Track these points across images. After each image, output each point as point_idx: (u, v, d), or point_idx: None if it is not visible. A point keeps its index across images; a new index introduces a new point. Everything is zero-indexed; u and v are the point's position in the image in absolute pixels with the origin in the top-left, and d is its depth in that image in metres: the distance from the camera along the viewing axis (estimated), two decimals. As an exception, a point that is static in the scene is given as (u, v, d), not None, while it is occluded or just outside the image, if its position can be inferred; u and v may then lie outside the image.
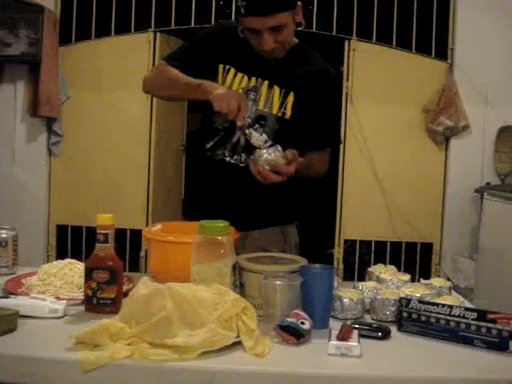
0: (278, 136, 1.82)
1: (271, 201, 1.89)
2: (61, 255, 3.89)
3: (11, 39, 4.07)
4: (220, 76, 1.87)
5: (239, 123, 1.65)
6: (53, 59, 4.15)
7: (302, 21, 1.80)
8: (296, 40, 1.93)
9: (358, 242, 4.46)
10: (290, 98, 1.84)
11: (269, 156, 1.63)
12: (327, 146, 1.96)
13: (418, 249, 4.43)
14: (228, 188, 1.89)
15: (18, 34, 4.08)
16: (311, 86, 1.86)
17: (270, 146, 1.72)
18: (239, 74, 1.86)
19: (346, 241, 4.44)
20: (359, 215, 4.36)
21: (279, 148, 1.65)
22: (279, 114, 1.84)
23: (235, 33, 1.83)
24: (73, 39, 4.39)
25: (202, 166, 1.94)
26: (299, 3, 1.77)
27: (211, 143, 1.86)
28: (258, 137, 1.80)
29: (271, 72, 1.85)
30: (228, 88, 1.78)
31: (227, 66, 1.87)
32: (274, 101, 1.84)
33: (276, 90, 1.84)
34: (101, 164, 4.39)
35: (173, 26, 4.37)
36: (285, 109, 1.84)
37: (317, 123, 1.88)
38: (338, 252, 4.41)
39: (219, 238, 1.39)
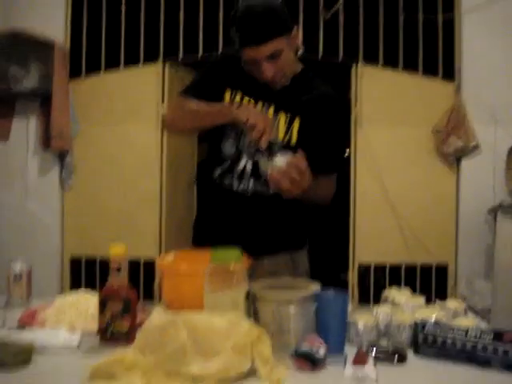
0: None
1: (280, 227, 1.89)
2: (75, 287, 3.89)
3: (22, 75, 4.13)
4: (227, 100, 1.89)
5: (263, 144, 1.63)
6: (64, 93, 4.21)
7: (299, 45, 1.82)
8: (301, 66, 1.95)
9: (372, 266, 4.44)
10: (296, 124, 1.85)
11: (286, 157, 1.59)
12: (333, 172, 1.96)
13: (433, 271, 4.39)
14: (237, 215, 1.90)
15: (29, 69, 4.14)
16: (316, 112, 1.87)
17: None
18: (246, 98, 1.88)
19: (360, 265, 4.42)
20: (372, 239, 4.34)
21: (291, 153, 1.62)
22: (285, 141, 1.85)
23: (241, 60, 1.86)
24: (83, 72, 4.44)
25: (212, 194, 1.95)
26: (295, 27, 1.78)
27: (219, 171, 1.88)
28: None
29: (277, 98, 1.86)
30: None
31: (234, 91, 1.89)
32: (279, 127, 1.85)
33: (282, 116, 1.85)
34: (113, 195, 4.41)
35: (181, 56, 4.43)
36: (290, 135, 1.85)
37: (322, 149, 1.88)
38: (353, 276, 4.39)
39: (232, 266, 1.39)
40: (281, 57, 1.74)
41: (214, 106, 1.80)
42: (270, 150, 1.69)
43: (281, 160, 1.59)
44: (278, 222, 1.86)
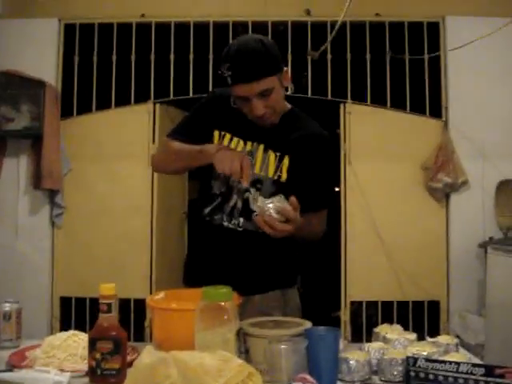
0: None
1: (271, 264, 1.88)
2: (65, 327, 3.84)
3: (13, 114, 4.16)
4: (216, 142, 1.90)
5: (245, 184, 1.66)
6: (54, 133, 4.23)
7: (289, 85, 1.85)
8: (289, 105, 1.97)
9: (364, 304, 4.42)
10: (285, 162, 1.87)
11: (275, 204, 1.60)
12: (323, 208, 1.97)
13: (426, 307, 4.38)
14: (227, 253, 1.89)
15: (20, 109, 4.17)
16: (305, 150, 1.89)
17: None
18: (235, 139, 1.90)
19: (352, 302, 4.40)
20: (364, 276, 4.33)
21: (283, 197, 1.63)
22: (275, 178, 1.86)
23: (229, 99, 1.88)
24: (74, 112, 4.48)
25: (202, 232, 1.95)
26: (285, 68, 1.82)
27: (209, 208, 1.89)
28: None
29: (266, 137, 1.88)
30: (228, 148, 1.80)
31: (223, 132, 1.91)
32: (269, 164, 1.87)
33: (271, 154, 1.87)
34: (103, 234, 4.40)
35: (171, 97, 4.47)
36: (280, 172, 1.87)
37: (312, 186, 1.90)
38: (345, 314, 4.36)
39: (222, 303, 1.38)
40: (271, 95, 1.76)
41: (194, 148, 1.82)
42: (260, 189, 1.70)
43: (269, 205, 1.60)
44: (269, 259, 1.85)
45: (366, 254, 4.33)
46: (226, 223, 1.86)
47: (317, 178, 1.92)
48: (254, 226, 1.82)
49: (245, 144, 1.89)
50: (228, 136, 1.90)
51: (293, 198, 1.62)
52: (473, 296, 4.21)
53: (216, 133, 1.91)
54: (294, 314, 1.83)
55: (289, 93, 1.87)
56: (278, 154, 1.87)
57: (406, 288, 4.29)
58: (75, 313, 4.42)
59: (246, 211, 1.82)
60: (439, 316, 4.34)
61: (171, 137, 1.97)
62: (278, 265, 1.90)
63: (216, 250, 1.90)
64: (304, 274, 2.04)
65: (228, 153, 1.71)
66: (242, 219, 1.84)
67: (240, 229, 1.85)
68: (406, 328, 1.73)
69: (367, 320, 4.38)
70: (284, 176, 1.86)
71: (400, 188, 4.36)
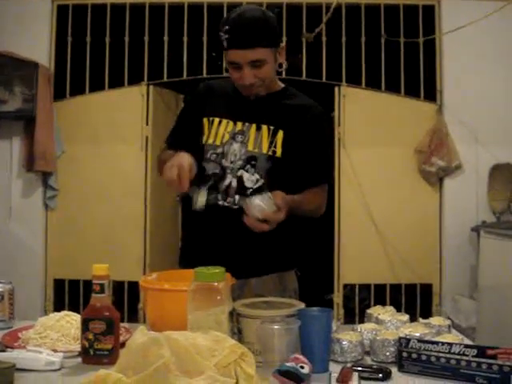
0: (269, 174, 1.85)
1: (269, 247, 1.87)
2: (58, 309, 3.83)
3: (6, 96, 4.13)
4: (206, 129, 1.92)
5: (181, 192, 1.72)
6: (47, 114, 4.20)
7: (284, 62, 1.86)
8: (282, 84, 1.97)
9: (357, 286, 4.44)
10: (280, 136, 1.87)
11: (258, 205, 1.62)
12: (322, 183, 1.98)
13: (418, 290, 4.40)
14: (224, 232, 1.88)
15: (12, 90, 4.14)
16: (300, 122, 1.90)
17: (259, 191, 1.75)
18: (224, 121, 1.90)
19: (345, 285, 4.42)
20: (357, 259, 4.34)
21: (268, 195, 1.65)
22: (270, 153, 1.86)
23: (215, 87, 1.96)
24: (67, 94, 4.45)
25: (197, 213, 1.94)
26: (282, 44, 1.84)
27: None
28: (249, 177, 1.83)
29: (258, 114, 1.88)
30: (179, 153, 1.76)
31: (211, 118, 1.92)
32: (263, 140, 1.86)
33: (264, 129, 1.87)
34: (97, 217, 4.39)
35: (165, 79, 4.45)
36: (275, 147, 1.86)
37: (309, 161, 1.91)
38: (338, 297, 4.38)
39: (215, 284, 1.38)
40: (264, 67, 1.78)
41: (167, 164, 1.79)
42: (254, 165, 1.76)
43: (256, 207, 1.62)
44: (267, 242, 1.83)
45: (360, 237, 4.34)
46: (221, 202, 1.86)
47: (313, 151, 1.92)
48: None
49: (234, 124, 1.89)
50: (216, 120, 1.91)
51: (277, 199, 1.65)
52: (465, 279, 4.23)
53: (204, 120, 1.93)
54: (291, 298, 1.82)
55: (283, 73, 1.87)
56: (271, 128, 1.87)
57: (399, 271, 4.31)
58: (69, 295, 4.42)
59: (241, 188, 1.83)
60: (431, 299, 4.37)
61: (166, 142, 2.03)
62: (276, 248, 1.89)
63: (212, 231, 1.89)
64: (300, 257, 2.04)
65: (169, 163, 1.71)
66: (237, 196, 1.84)
67: (236, 206, 1.84)
68: (398, 311, 1.73)
69: (360, 303, 4.40)
70: (279, 151, 1.86)
71: (394, 171, 4.36)
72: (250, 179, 1.84)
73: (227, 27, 1.76)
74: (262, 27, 1.75)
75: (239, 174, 1.84)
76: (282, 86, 1.98)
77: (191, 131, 1.95)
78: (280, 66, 1.88)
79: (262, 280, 1.90)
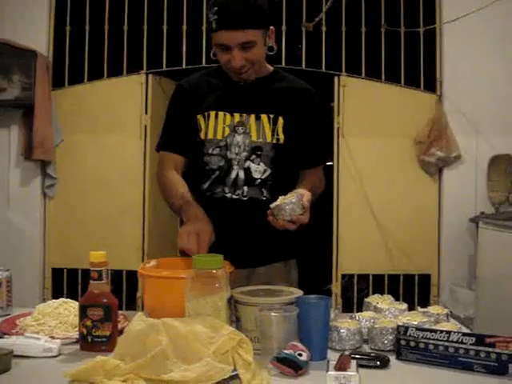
0: (275, 163, 1.85)
1: (275, 236, 1.86)
2: (57, 298, 3.84)
3: (5, 84, 4.11)
4: (203, 125, 1.88)
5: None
6: (46, 103, 4.19)
7: (274, 45, 1.84)
8: (271, 67, 1.96)
9: (355, 276, 4.44)
10: (280, 123, 1.86)
11: (291, 210, 1.60)
12: (323, 162, 2.02)
13: (416, 280, 4.40)
14: (231, 224, 1.86)
15: (11, 79, 4.12)
16: (298, 106, 1.90)
17: (266, 182, 1.78)
18: (220, 113, 1.87)
19: (343, 275, 4.42)
20: (356, 249, 4.34)
21: (298, 197, 1.62)
22: (273, 141, 1.85)
23: (199, 82, 1.92)
24: (66, 83, 4.43)
25: (204, 207, 1.89)
26: (272, 27, 1.82)
27: (208, 184, 1.87)
28: (256, 168, 1.83)
29: (254, 103, 1.87)
30: (197, 215, 1.72)
31: (206, 113, 1.88)
32: (265, 130, 1.86)
33: (264, 118, 1.86)
34: (96, 206, 4.38)
35: (164, 68, 4.43)
36: (277, 134, 1.86)
37: (311, 143, 1.93)
38: (336, 287, 4.39)
39: (214, 271, 1.38)
40: (253, 49, 1.75)
41: (176, 203, 1.81)
42: (259, 155, 1.79)
43: (288, 210, 1.60)
44: (273, 230, 1.81)
45: (358, 227, 4.34)
46: (229, 195, 1.85)
47: (314, 133, 1.95)
48: (258, 193, 1.82)
49: (232, 116, 1.87)
50: (212, 114, 1.88)
51: (305, 201, 1.62)
52: (463, 270, 4.24)
53: (199, 117, 1.89)
54: (294, 286, 1.82)
55: (273, 52, 1.86)
56: (271, 116, 1.86)
57: (397, 261, 4.31)
58: (67, 284, 4.43)
59: (249, 179, 1.82)
60: (429, 289, 4.37)
61: (162, 149, 1.96)
62: (282, 236, 1.87)
63: (219, 223, 1.79)
64: (302, 245, 2.04)
65: (187, 228, 1.66)
66: (245, 188, 1.84)
67: (245, 198, 1.84)
68: (396, 301, 1.73)
69: (358, 293, 4.41)
70: (282, 138, 1.86)
71: (393, 161, 4.35)
72: (258, 170, 1.83)
73: (216, 8, 1.71)
74: (252, 8, 1.71)
75: (246, 165, 1.83)
76: (271, 69, 1.96)
77: (185, 131, 1.91)
78: (271, 49, 1.86)
79: (268, 268, 1.91)
